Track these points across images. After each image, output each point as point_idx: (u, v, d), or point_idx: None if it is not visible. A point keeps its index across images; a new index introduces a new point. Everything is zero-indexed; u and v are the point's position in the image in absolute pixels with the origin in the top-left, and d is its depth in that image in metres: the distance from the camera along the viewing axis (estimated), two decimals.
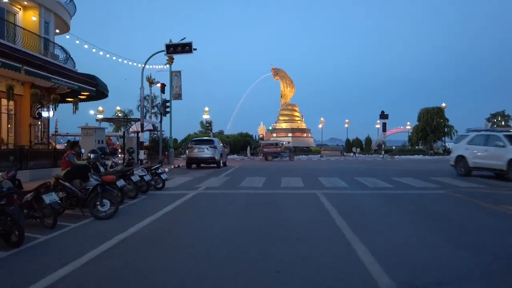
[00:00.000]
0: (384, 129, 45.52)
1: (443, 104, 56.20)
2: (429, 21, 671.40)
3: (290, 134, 63.25)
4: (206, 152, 20.49)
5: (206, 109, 46.95)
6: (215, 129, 55.96)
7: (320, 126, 73.27)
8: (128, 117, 20.02)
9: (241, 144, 48.02)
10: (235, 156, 44.90)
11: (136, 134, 19.59)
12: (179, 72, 25.62)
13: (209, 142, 21.42)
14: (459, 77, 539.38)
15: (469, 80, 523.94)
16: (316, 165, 25.27)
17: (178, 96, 25.55)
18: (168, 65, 24.87)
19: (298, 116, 66.53)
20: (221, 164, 21.55)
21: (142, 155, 23.69)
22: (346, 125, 75.29)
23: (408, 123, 74.19)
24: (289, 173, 17.25)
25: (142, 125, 18.76)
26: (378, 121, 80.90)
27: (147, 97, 55.69)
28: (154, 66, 27.22)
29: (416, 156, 47.33)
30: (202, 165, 21.85)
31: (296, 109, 67.14)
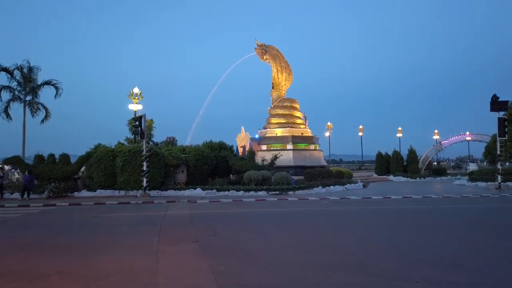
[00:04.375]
0: (502, 132, 22.42)
1: None
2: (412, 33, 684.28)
3: (289, 146, 38.74)
4: None
5: (136, 90, 21.91)
6: (159, 135, 30.98)
7: (327, 134, 49.62)
8: None
9: (212, 164, 23.24)
10: (199, 191, 20.09)
11: None
12: None
13: None
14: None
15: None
16: None
17: None
18: None
19: (300, 118, 42.17)
20: None
21: None
22: (360, 133, 52.40)
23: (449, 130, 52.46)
24: None
25: None
26: (400, 128, 58.71)
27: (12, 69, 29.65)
28: None
29: None
30: None
31: (296, 106, 42.83)
